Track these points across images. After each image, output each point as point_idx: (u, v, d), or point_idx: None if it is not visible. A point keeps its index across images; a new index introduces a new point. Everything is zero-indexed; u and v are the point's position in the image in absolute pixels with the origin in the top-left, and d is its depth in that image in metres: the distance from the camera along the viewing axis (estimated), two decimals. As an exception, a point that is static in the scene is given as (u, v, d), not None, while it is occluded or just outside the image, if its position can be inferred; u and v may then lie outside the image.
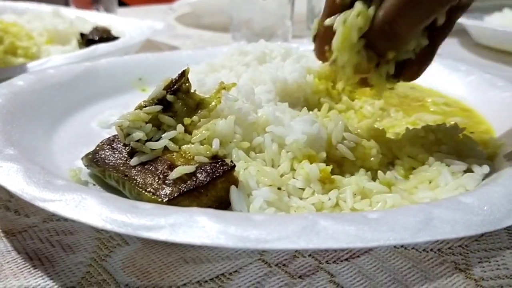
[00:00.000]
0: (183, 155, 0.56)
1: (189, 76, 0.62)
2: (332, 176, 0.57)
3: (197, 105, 0.62)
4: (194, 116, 0.60)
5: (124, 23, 1.47)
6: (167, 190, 0.51)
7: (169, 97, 0.60)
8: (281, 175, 0.57)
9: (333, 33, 0.58)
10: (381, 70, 0.60)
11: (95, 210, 0.43)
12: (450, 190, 0.53)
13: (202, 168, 0.53)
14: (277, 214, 0.51)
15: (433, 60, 0.61)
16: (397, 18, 0.53)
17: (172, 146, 0.57)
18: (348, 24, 0.56)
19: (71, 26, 1.37)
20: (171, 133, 0.58)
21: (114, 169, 0.57)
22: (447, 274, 0.47)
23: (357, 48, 0.57)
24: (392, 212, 0.43)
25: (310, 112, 0.65)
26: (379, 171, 0.57)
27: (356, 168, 0.59)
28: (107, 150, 0.60)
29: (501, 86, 0.83)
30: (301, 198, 0.55)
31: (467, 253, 0.50)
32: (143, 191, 0.52)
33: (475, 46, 1.47)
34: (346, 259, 0.49)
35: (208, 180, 0.52)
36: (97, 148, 0.62)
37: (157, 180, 0.53)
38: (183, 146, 0.57)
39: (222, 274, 0.47)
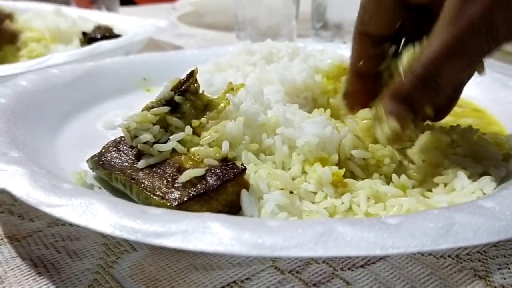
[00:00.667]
0: (192, 157, 0.55)
1: (196, 76, 0.61)
2: (345, 180, 0.55)
3: (205, 107, 0.60)
4: (203, 118, 0.58)
5: (127, 22, 1.45)
6: (176, 194, 0.50)
7: (177, 98, 0.58)
8: (293, 178, 0.55)
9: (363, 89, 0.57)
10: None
11: (103, 215, 0.41)
12: (468, 194, 0.52)
13: (212, 171, 0.51)
14: (292, 220, 0.49)
15: None
16: (441, 66, 0.49)
17: (180, 148, 0.56)
18: None
19: (73, 25, 1.35)
20: (179, 135, 0.56)
21: (120, 172, 0.55)
22: (466, 282, 0.45)
23: None
24: (411, 217, 0.41)
25: (322, 114, 0.63)
26: (393, 174, 0.56)
27: (369, 173, 0.58)
28: (113, 153, 0.59)
29: (513, 86, 0.82)
30: (313, 202, 0.54)
31: (486, 259, 0.48)
32: (152, 195, 0.50)
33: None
34: (362, 266, 0.47)
35: (218, 183, 0.50)
36: (103, 151, 0.60)
37: (165, 184, 0.51)
38: (191, 149, 0.56)
39: (234, 281, 0.45)
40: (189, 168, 0.52)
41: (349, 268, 0.47)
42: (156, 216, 0.41)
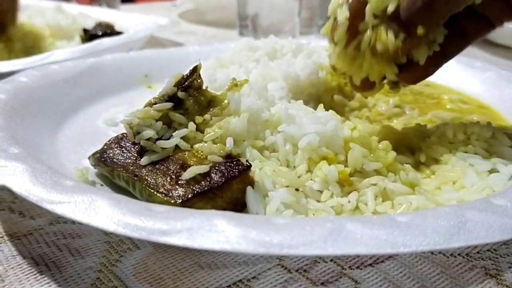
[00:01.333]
0: (196, 154, 0.54)
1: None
2: (351, 178, 0.54)
3: (208, 103, 0.59)
4: (206, 114, 0.57)
5: (128, 19, 1.44)
6: (181, 191, 0.49)
7: (180, 94, 0.57)
8: (298, 177, 0.54)
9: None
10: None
11: (106, 212, 0.40)
12: (478, 191, 0.51)
13: (217, 167, 0.50)
14: (299, 218, 0.48)
15: None
16: None
17: (183, 145, 0.55)
18: None
19: (74, 22, 1.34)
20: (182, 131, 0.55)
21: (123, 169, 0.54)
22: (477, 281, 0.44)
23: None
24: (422, 215, 0.40)
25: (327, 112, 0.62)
26: (401, 171, 0.55)
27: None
28: (115, 149, 0.57)
29: (519, 83, 0.81)
30: (318, 201, 0.53)
31: (497, 258, 0.47)
32: (155, 192, 0.49)
33: (489, 44, 1.44)
34: (370, 264, 0.46)
35: (223, 180, 0.49)
36: (105, 147, 0.59)
37: (169, 181, 0.50)
38: (195, 145, 0.55)
39: (240, 280, 0.44)
40: (193, 165, 0.51)
41: (357, 267, 0.46)
42: (160, 213, 0.40)
